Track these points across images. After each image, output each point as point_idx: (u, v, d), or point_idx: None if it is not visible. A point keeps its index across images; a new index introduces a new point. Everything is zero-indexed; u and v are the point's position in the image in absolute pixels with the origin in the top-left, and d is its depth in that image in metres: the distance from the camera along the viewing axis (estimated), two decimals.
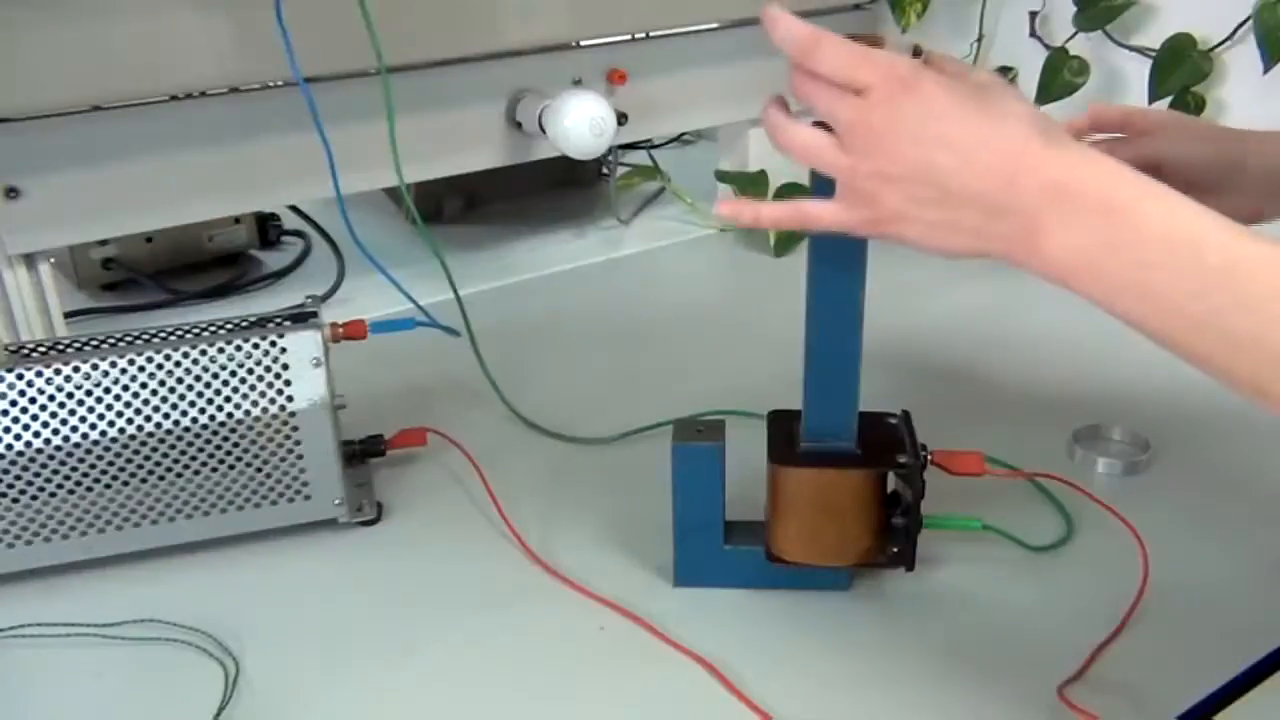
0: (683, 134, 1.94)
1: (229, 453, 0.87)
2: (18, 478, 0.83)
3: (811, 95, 0.65)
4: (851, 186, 0.65)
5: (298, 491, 0.89)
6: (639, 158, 1.75)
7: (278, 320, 0.91)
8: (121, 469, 0.85)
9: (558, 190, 1.73)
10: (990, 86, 0.64)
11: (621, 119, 1.32)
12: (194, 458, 0.87)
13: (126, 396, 0.84)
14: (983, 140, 0.61)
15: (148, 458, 0.85)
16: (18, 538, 0.85)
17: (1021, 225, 0.61)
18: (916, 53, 0.72)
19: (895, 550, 0.80)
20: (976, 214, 0.62)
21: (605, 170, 1.72)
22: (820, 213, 0.67)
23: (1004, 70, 1.42)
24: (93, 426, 0.84)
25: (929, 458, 0.79)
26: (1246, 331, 0.56)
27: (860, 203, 0.65)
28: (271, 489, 0.89)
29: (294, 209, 1.44)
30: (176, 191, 1.16)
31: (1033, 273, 0.63)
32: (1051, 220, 0.60)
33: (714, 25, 1.47)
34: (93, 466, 0.85)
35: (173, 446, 0.86)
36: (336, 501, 0.91)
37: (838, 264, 0.75)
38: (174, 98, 1.14)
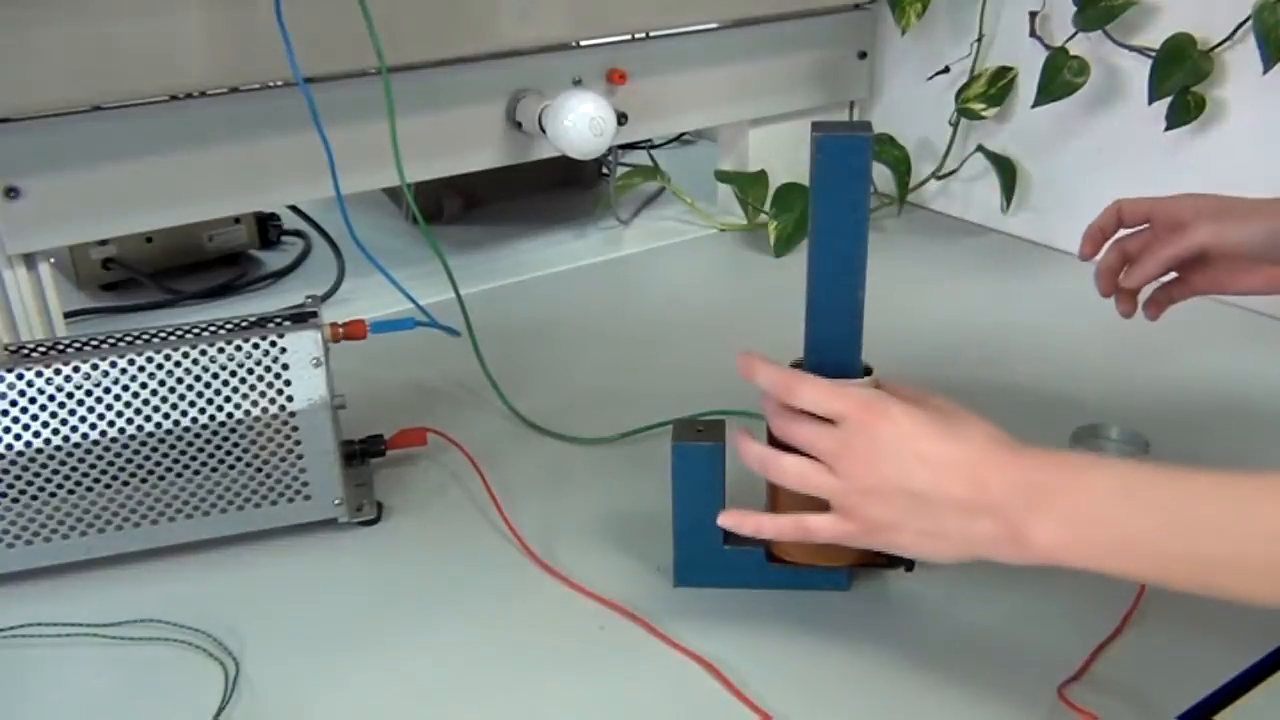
0: (683, 134, 1.94)
1: (229, 453, 0.87)
2: (18, 478, 0.83)
3: (790, 431, 0.74)
4: (844, 503, 0.72)
5: (298, 491, 0.89)
6: (639, 158, 1.75)
7: (277, 320, 0.91)
8: (121, 469, 0.85)
9: (558, 190, 1.73)
10: (948, 409, 0.72)
11: (621, 119, 1.32)
12: (194, 458, 0.87)
13: (126, 396, 0.84)
14: (951, 454, 0.69)
15: (148, 458, 0.85)
16: (17, 538, 0.85)
17: (1003, 526, 0.67)
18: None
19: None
20: (957, 519, 0.68)
21: (605, 170, 1.71)
22: (820, 525, 0.73)
23: (1004, 70, 1.42)
24: (93, 426, 0.84)
25: None
26: (1226, 554, 0.61)
27: (854, 516, 0.71)
28: (271, 489, 0.89)
29: (294, 209, 1.44)
30: (176, 191, 1.16)
31: (1028, 564, 0.68)
32: (1029, 515, 0.66)
33: (714, 25, 1.48)
34: (93, 466, 0.85)
35: (173, 446, 0.86)
36: (336, 501, 0.91)
37: (837, 264, 0.75)
38: (174, 98, 1.14)
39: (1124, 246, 0.96)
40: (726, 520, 0.77)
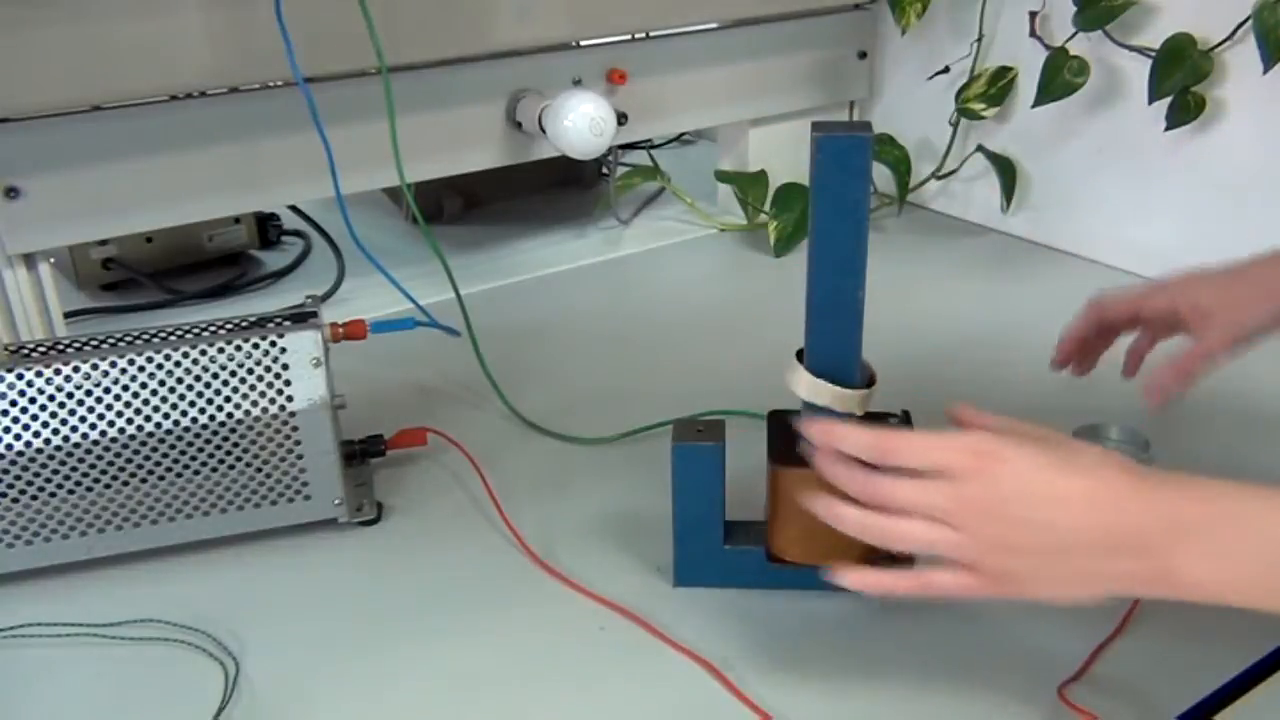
0: (683, 134, 1.94)
1: (229, 453, 0.87)
2: (17, 478, 0.83)
3: (892, 494, 0.67)
4: (973, 559, 0.66)
5: (298, 491, 0.89)
6: (639, 158, 1.75)
7: (277, 320, 0.91)
8: (121, 469, 0.85)
9: (558, 190, 1.73)
10: (1053, 438, 0.67)
11: (621, 119, 1.32)
12: (194, 458, 0.87)
13: (126, 396, 0.84)
14: (1080, 491, 0.64)
15: (148, 458, 0.85)
16: (17, 538, 0.85)
17: (1148, 565, 0.62)
18: None
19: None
20: (1096, 560, 0.63)
21: (605, 170, 1.71)
22: (948, 583, 0.67)
23: (1004, 70, 1.42)
24: (93, 426, 0.84)
25: None
26: None
27: (983, 570, 0.66)
28: (271, 489, 0.89)
29: (294, 209, 1.44)
30: (176, 191, 1.16)
31: (1174, 599, 0.64)
32: (1177, 551, 0.62)
33: (714, 25, 1.48)
34: (93, 466, 0.85)
35: (173, 446, 0.86)
36: (336, 501, 0.91)
37: (837, 264, 0.75)
38: (174, 98, 1.14)
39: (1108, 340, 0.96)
40: (851, 581, 0.71)
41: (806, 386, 0.77)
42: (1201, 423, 1.04)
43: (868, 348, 0.77)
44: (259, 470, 0.88)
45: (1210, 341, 0.87)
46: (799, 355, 0.78)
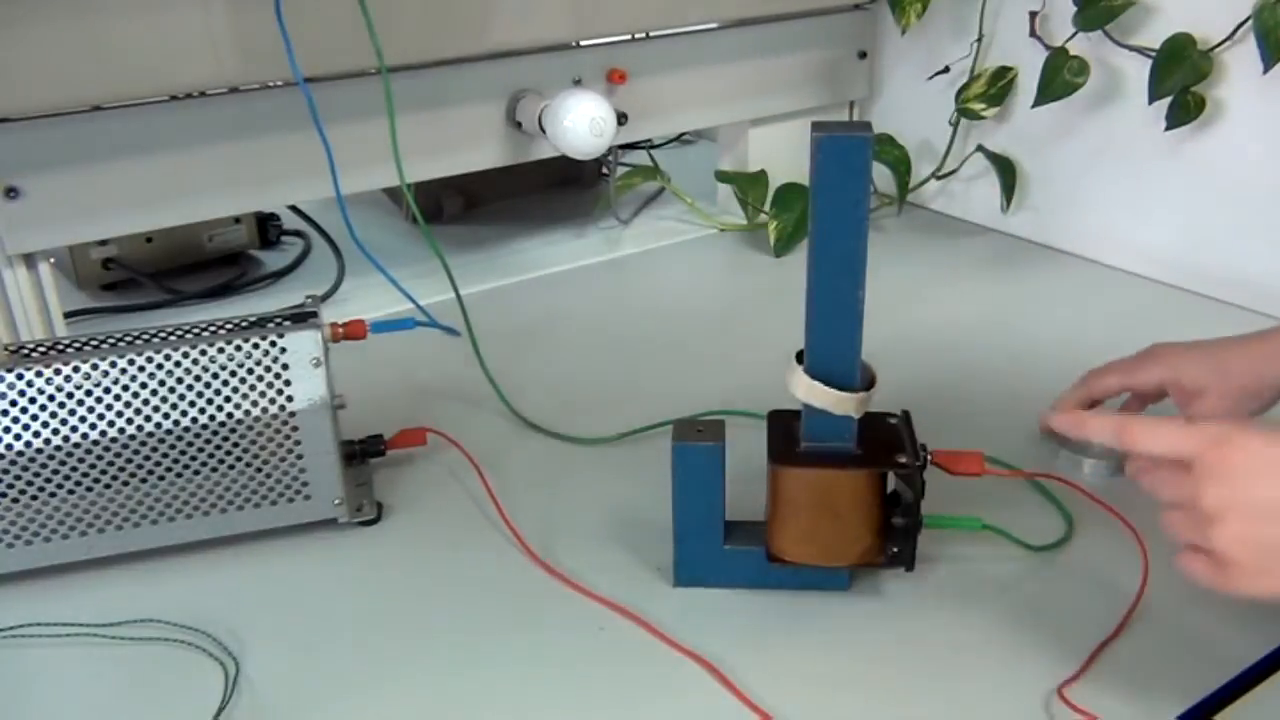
0: (683, 134, 1.94)
1: (229, 453, 0.87)
2: (17, 478, 0.83)
3: (1155, 485, 0.70)
4: (1218, 549, 0.66)
5: (298, 491, 0.89)
6: (639, 158, 1.75)
7: (277, 320, 0.91)
8: (121, 469, 0.85)
9: (558, 190, 1.73)
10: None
11: (621, 119, 1.32)
12: (194, 458, 0.87)
13: (126, 396, 0.84)
14: None
15: (148, 458, 0.85)
16: (17, 538, 0.85)
17: None
18: None
19: (895, 550, 0.80)
20: None
21: (605, 170, 1.71)
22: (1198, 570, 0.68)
23: (1004, 70, 1.42)
24: (93, 426, 0.84)
25: (929, 457, 0.80)
26: None
27: (1229, 561, 0.66)
28: (271, 489, 0.89)
29: (294, 209, 1.44)
30: (176, 191, 1.16)
31: None
32: None
33: (714, 25, 1.48)
34: (93, 466, 0.84)
35: (173, 446, 0.86)
36: (336, 501, 0.91)
37: (837, 264, 0.75)
38: (174, 98, 1.14)
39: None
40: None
41: (805, 389, 0.77)
42: None
43: (867, 347, 0.77)
44: (259, 470, 0.88)
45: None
46: (798, 357, 0.78)
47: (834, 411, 0.77)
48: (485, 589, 0.86)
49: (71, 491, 0.85)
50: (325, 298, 1.34)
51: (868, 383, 0.78)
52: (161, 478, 0.86)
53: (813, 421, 0.79)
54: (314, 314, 0.91)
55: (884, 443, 0.80)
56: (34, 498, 0.84)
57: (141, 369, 0.84)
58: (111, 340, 0.87)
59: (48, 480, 0.84)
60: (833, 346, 0.77)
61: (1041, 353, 1.18)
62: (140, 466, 0.86)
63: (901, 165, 1.52)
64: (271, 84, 1.18)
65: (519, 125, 1.33)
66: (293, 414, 0.87)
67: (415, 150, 1.22)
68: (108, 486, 0.85)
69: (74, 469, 0.84)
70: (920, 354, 1.18)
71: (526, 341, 1.24)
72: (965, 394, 1.10)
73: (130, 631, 0.82)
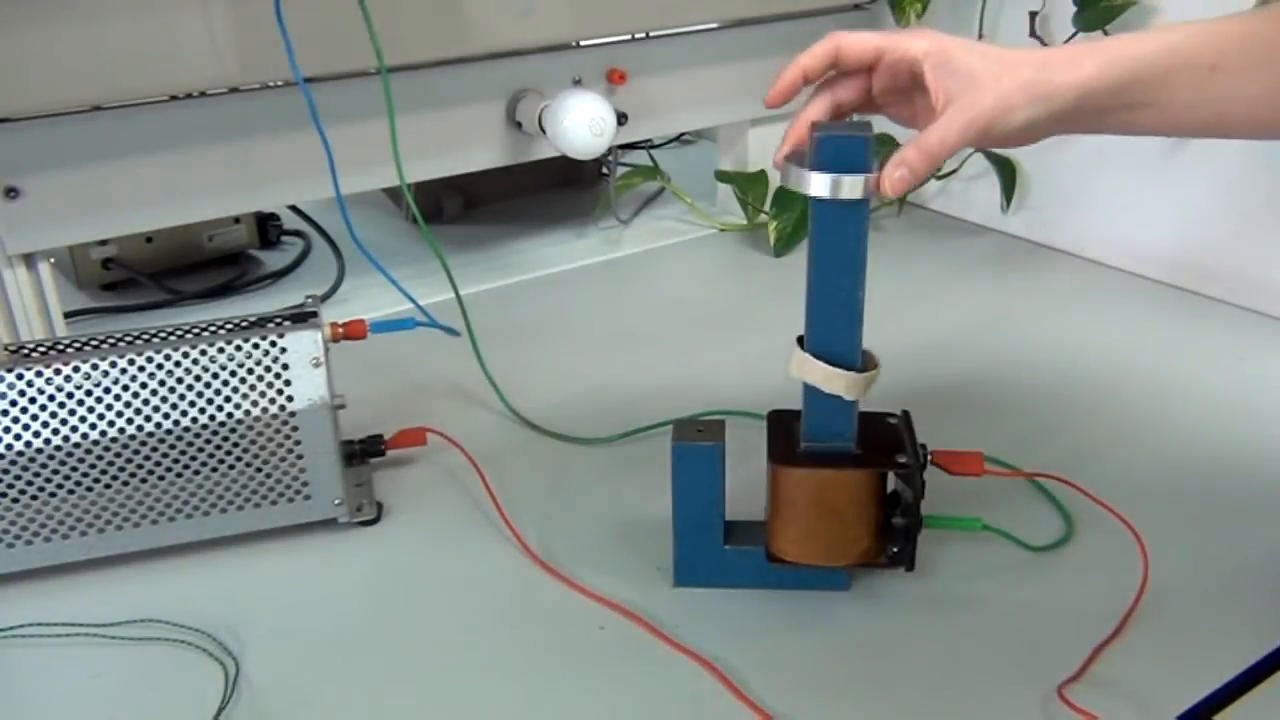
0: (682, 134, 1.94)
1: (229, 453, 0.87)
2: (18, 478, 0.83)
3: None
4: None
5: (298, 491, 0.90)
6: (639, 158, 1.75)
7: (277, 320, 0.91)
8: (121, 469, 0.85)
9: (558, 190, 1.73)
10: None
11: (621, 119, 1.33)
12: (194, 458, 0.87)
13: (126, 396, 0.84)
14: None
15: (148, 458, 0.85)
16: (17, 538, 0.85)
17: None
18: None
19: (895, 550, 0.80)
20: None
21: (605, 170, 1.72)
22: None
23: None
24: (93, 426, 0.84)
25: (929, 457, 0.80)
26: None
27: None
28: (271, 489, 0.89)
29: (294, 209, 1.44)
30: (176, 191, 1.17)
31: None
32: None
33: (714, 25, 1.48)
34: (93, 467, 0.85)
35: (172, 446, 0.86)
36: (336, 501, 0.91)
37: (837, 264, 0.75)
38: (174, 98, 1.14)
39: (838, 99, 0.84)
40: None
41: (800, 364, 0.77)
42: (1198, 414, 1.05)
43: (868, 347, 0.77)
44: (259, 470, 0.88)
45: (961, 117, 0.76)
46: (799, 341, 0.78)
47: (830, 390, 0.76)
48: (485, 588, 0.86)
49: (71, 491, 0.85)
50: (325, 298, 1.34)
51: (869, 366, 0.78)
52: (161, 478, 0.86)
53: (813, 421, 0.79)
54: (314, 314, 0.91)
55: (884, 443, 0.80)
56: (34, 498, 0.84)
57: (141, 369, 0.84)
58: (111, 340, 0.87)
59: (48, 480, 0.84)
60: (833, 345, 0.77)
61: (1041, 353, 1.18)
62: (140, 466, 0.86)
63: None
64: (272, 84, 1.18)
65: (519, 125, 1.33)
66: (293, 414, 0.87)
67: (415, 150, 1.22)
68: (108, 486, 0.85)
69: (74, 469, 0.84)
70: (920, 354, 1.18)
71: (527, 341, 1.24)
72: (965, 394, 1.10)
73: (130, 631, 0.82)
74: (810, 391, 0.78)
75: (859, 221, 0.74)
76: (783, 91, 0.82)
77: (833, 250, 0.75)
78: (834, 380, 0.76)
